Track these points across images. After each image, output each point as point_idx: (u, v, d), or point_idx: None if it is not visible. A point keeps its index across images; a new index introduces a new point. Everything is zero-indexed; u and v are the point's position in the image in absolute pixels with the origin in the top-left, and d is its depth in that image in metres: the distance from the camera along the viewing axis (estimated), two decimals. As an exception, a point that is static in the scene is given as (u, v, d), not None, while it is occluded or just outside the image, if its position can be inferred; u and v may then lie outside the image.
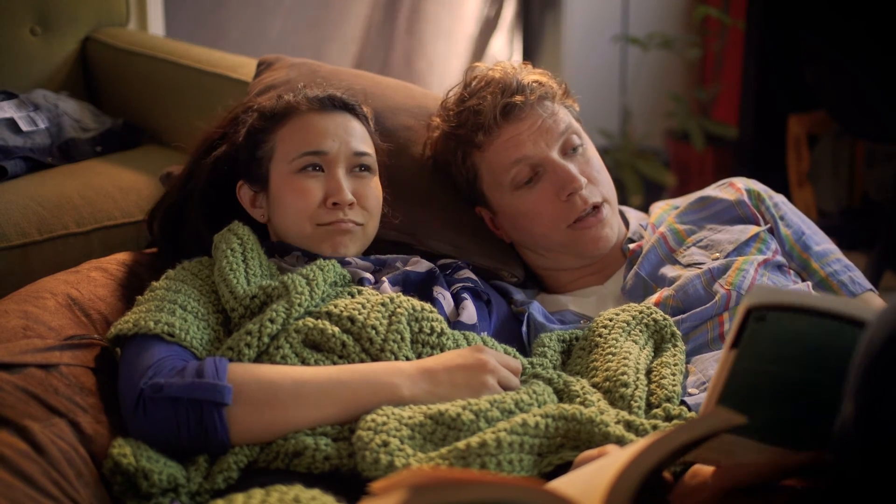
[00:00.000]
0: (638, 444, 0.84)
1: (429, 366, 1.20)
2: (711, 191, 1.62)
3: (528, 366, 1.30)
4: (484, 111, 1.51)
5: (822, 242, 1.55)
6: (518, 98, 1.51)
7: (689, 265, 1.49)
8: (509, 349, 1.33)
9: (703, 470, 1.00)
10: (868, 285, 1.51)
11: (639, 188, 3.31)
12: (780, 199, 1.59)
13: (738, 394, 0.94)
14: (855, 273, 1.52)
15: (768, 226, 1.53)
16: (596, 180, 1.53)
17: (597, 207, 1.52)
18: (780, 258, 1.49)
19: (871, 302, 1.49)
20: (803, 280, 1.51)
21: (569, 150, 1.53)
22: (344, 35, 3.01)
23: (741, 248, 1.49)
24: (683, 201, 1.63)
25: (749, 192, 1.58)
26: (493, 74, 1.56)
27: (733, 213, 1.56)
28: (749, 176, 1.64)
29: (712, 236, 1.52)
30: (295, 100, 1.46)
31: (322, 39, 2.98)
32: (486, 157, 1.54)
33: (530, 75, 1.56)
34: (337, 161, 1.41)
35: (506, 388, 1.21)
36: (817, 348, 0.92)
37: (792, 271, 1.50)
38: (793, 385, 0.94)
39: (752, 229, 1.51)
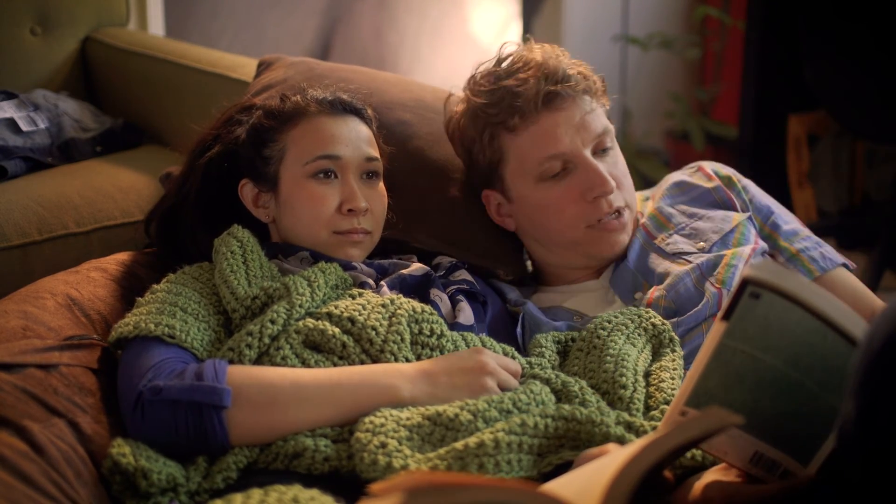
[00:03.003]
0: (636, 444, 0.85)
1: (428, 368, 1.20)
2: (685, 176, 1.61)
3: (527, 366, 1.30)
4: (525, 94, 1.46)
5: (791, 222, 1.55)
6: (564, 86, 1.47)
7: (673, 254, 1.49)
8: (508, 349, 1.33)
9: (698, 487, 1.01)
10: (840, 260, 1.51)
11: (639, 188, 3.30)
12: (747, 182, 1.59)
13: (723, 370, 0.94)
14: (825, 249, 1.52)
15: (748, 214, 1.53)
16: (622, 185, 1.50)
17: (619, 212, 1.50)
18: (762, 244, 1.49)
19: (843, 278, 1.49)
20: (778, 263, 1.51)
21: (599, 151, 1.50)
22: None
23: (725, 238, 1.49)
24: (656, 190, 1.63)
25: (720, 176, 1.58)
26: (534, 56, 1.50)
27: (710, 198, 1.56)
28: (749, 176, 1.64)
29: (694, 224, 1.52)
30: (303, 101, 1.45)
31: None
32: (517, 142, 1.49)
33: (575, 66, 1.51)
34: (350, 166, 1.42)
35: (505, 390, 1.21)
36: (804, 347, 0.92)
37: (770, 257, 1.51)
38: (774, 376, 0.94)
39: (733, 218, 1.51)
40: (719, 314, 0.93)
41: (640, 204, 1.61)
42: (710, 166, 1.60)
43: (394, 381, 1.18)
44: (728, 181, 1.57)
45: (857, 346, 0.85)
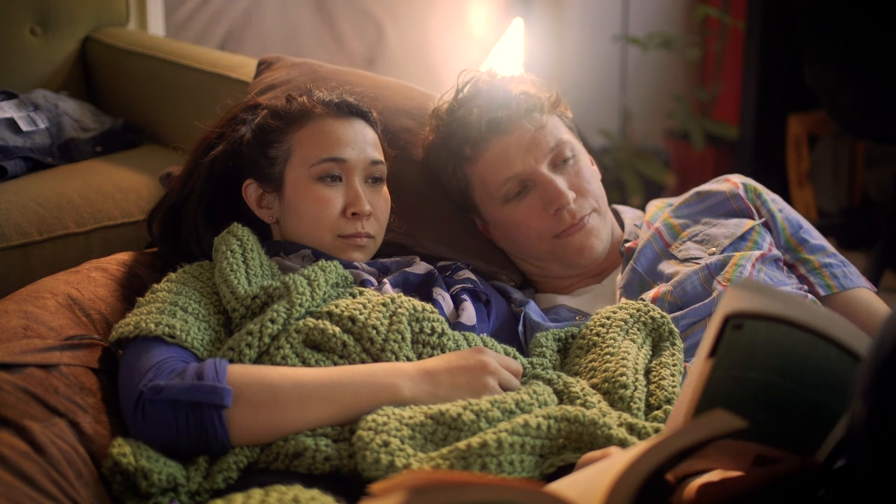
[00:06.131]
0: (638, 447, 0.84)
1: (430, 367, 1.20)
2: (707, 185, 1.62)
3: (528, 366, 1.30)
4: (471, 125, 1.52)
5: (819, 240, 1.55)
6: (503, 112, 1.51)
7: (685, 260, 1.49)
8: (509, 349, 1.33)
9: (692, 487, 1.00)
10: (862, 283, 1.51)
11: (639, 188, 3.31)
12: (775, 196, 1.60)
13: (713, 402, 0.93)
14: (850, 269, 1.51)
15: (763, 220, 1.53)
16: (586, 192, 1.53)
17: (583, 219, 1.52)
18: (776, 252, 1.49)
19: (862, 297, 1.49)
20: (797, 274, 1.50)
21: (559, 163, 1.53)
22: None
23: (737, 243, 1.49)
24: (679, 199, 1.64)
25: (745, 186, 1.58)
26: (482, 85, 1.56)
27: (728, 207, 1.56)
28: (749, 176, 1.64)
29: (707, 230, 1.53)
30: (310, 102, 1.45)
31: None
32: (477, 170, 1.55)
33: (519, 86, 1.55)
34: (355, 170, 1.42)
35: (506, 389, 1.21)
36: (793, 358, 0.91)
37: (786, 267, 1.50)
38: (768, 390, 0.93)
39: (747, 223, 1.51)
40: (704, 351, 0.92)
41: (664, 210, 1.62)
42: (738, 177, 1.61)
43: (395, 380, 1.17)
44: (753, 191, 1.57)
45: (851, 351, 0.84)
